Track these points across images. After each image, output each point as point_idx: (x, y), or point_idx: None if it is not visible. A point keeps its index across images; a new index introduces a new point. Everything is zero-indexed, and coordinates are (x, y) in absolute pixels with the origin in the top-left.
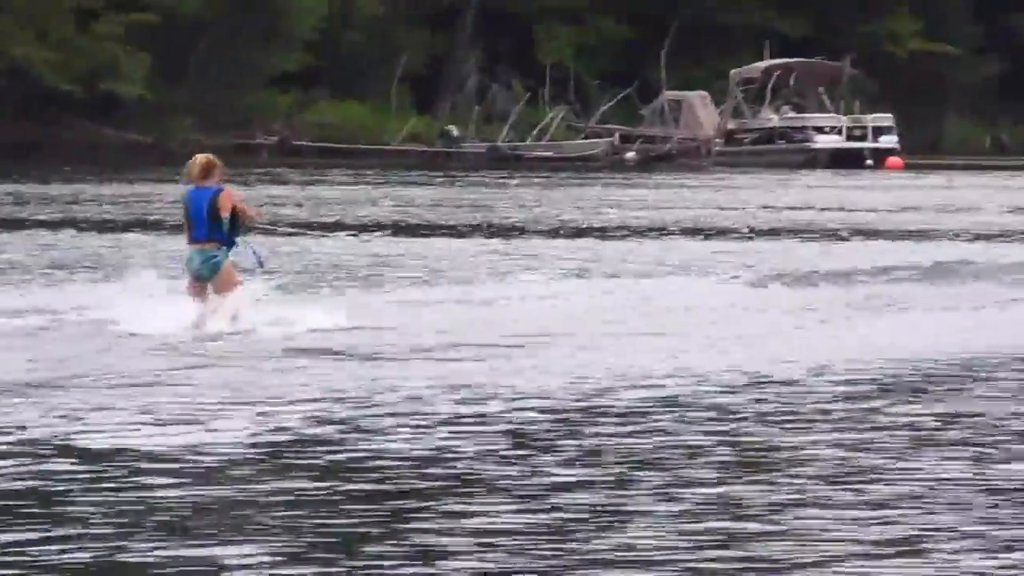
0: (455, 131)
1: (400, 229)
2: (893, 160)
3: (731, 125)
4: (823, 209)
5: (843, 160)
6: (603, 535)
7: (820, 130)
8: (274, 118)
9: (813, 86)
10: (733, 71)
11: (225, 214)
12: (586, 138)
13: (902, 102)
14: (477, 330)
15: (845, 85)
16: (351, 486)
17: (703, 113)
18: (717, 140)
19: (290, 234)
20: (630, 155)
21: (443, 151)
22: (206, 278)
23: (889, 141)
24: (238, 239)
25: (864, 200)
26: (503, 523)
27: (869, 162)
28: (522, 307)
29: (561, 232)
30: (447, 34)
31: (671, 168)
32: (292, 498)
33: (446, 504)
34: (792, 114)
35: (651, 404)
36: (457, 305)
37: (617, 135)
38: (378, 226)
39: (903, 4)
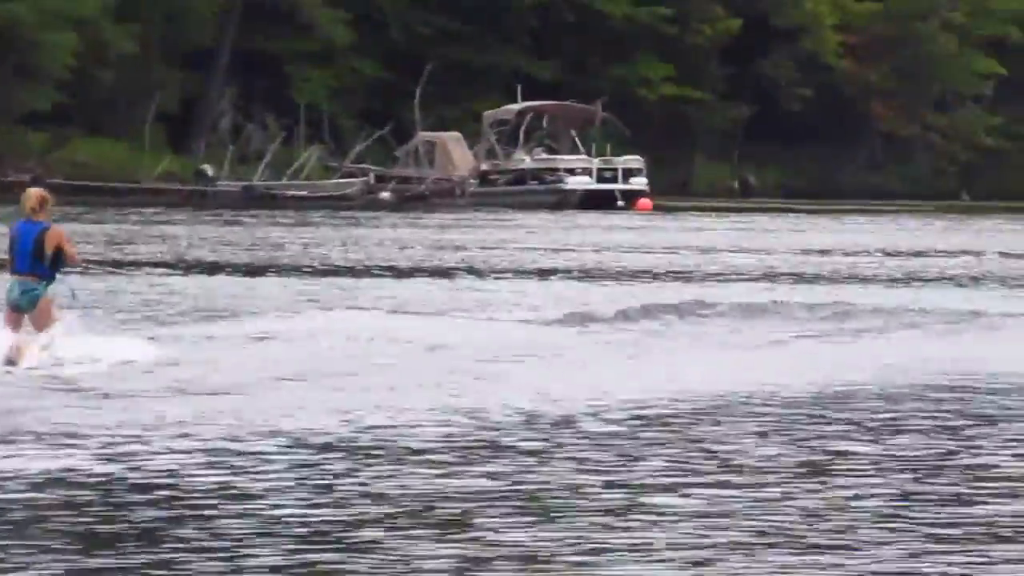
0: (210, 170)
1: (176, 267)
2: (643, 202)
3: (485, 166)
4: (579, 249)
5: (594, 201)
6: (398, 568)
7: (571, 172)
8: (27, 156)
9: (566, 128)
10: (487, 113)
11: (49, 251)
12: (341, 178)
13: (653, 145)
14: (254, 366)
15: (597, 128)
16: (119, 524)
17: (457, 154)
18: (471, 181)
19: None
20: (385, 195)
21: (198, 190)
22: (24, 310)
23: (639, 183)
24: (58, 276)
25: (618, 240)
26: (272, 561)
27: (620, 203)
28: (296, 344)
29: (327, 270)
30: (201, 73)
31: (426, 208)
32: (65, 533)
33: (220, 542)
34: (544, 156)
35: (424, 443)
36: (244, 340)
37: (372, 175)
38: (156, 263)
39: (654, 50)
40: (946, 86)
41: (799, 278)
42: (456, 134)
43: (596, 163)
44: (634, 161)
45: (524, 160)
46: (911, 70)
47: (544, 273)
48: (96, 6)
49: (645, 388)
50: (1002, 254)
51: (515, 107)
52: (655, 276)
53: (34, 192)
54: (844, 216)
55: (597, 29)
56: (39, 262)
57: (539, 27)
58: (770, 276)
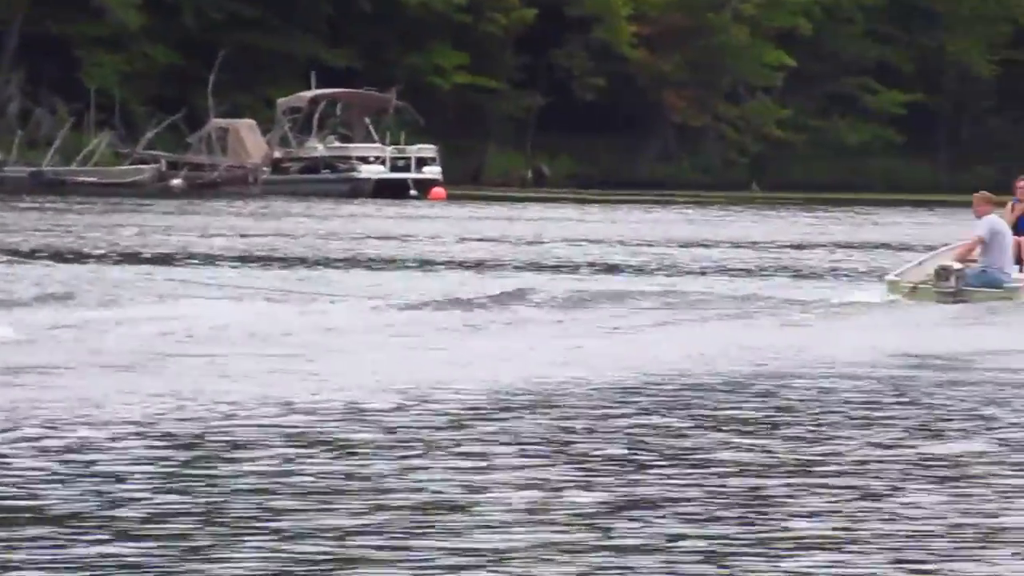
0: None
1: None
2: (437, 191)
3: (278, 154)
4: (368, 237)
5: (387, 190)
6: (213, 562)
7: (364, 160)
8: None
9: (360, 116)
10: (280, 100)
11: None
12: (132, 164)
13: (446, 133)
14: (78, 353)
15: (391, 116)
16: None
17: (251, 141)
18: (264, 168)
19: None
20: (176, 182)
21: None
22: None
23: (432, 172)
24: None
25: (418, 229)
26: (134, 552)
27: (413, 192)
28: (123, 331)
29: (132, 258)
30: None
31: (219, 195)
32: None
33: (43, 532)
34: (337, 144)
35: (254, 435)
36: (67, 327)
37: (164, 162)
38: None
39: (447, 38)
40: (737, 77)
41: (617, 268)
42: (249, 121)
43: (389, 151)
44: (427, 150)
45: (317, 148)
46: (703, 61)
47: (359, 262)
48: None
49: (480, 378)
50: (829, 247)
51: (308, 94)
52: (474, 266)
53: None
54: (641, 206)
55: (392, 17)
56: None
57: (334, 14)
58: (590, 265)
